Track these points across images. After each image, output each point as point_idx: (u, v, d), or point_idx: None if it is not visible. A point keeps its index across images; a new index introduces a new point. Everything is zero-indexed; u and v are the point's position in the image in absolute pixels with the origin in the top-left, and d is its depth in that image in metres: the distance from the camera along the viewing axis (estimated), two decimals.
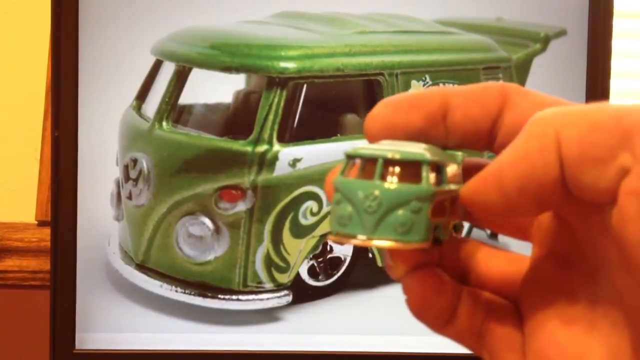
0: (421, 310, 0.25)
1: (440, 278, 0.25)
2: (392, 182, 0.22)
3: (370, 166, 0.22)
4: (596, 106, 0.21)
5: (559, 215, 0.25)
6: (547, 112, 0.22)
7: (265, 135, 0.62)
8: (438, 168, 0.23)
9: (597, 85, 0.66)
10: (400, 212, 0.21)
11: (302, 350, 0.65)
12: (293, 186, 0.62)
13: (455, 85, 0.25)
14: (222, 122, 0.67)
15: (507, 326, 0.25)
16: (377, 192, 0.21)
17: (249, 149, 0.62)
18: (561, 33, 0.66)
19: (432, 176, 0.22)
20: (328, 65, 0.62)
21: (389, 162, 0.22)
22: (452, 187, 0.23)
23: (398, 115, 0.24)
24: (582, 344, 0.23)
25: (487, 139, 0.25)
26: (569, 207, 0.24)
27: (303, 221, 0.63)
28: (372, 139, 0.24)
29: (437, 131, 0.24)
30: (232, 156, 0.62)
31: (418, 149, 0.22)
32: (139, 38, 0.64)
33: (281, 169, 0.62)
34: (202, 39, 0.63)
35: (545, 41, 0.67)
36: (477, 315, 0.25)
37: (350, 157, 0.23)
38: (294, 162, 0.62)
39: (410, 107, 0.24)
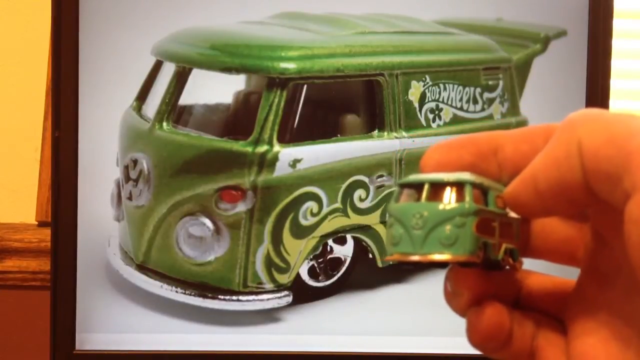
0: (483, 343, 0.26)
1: (503, 313, 0.26)
2: (437, 202, 0.24)
3: (419, 192, 0.25)
4: (620, 117, 0.22)
5: (598, 233, 0.26)
6: (576, 116, 0.23)
7: (266, 136, 0.62)
8: (483, 191, 0.25)
9: (597, 85, 0.66)
10: (445, 226, 0.23)
11: (302, 350, 0.65)
12: (293, 187, 0.62)
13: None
14: (222, 123, 0.67)
15: (555, 344, 0.26)
16: (423, 211, 0.24)
17: (249, 149, 0.62)
18: (561, 33, 0.66)
19: (476, 196, 0.24)
20: (328, 65, 0.62)
21: (435, 186, 0.24)
22: (500, 211, 0.25)
23: (451, 153, 0.26)
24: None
25: None
26: (603, 217, 0.25)
27: (303, 222, 0.63)
28: None
29: (488, 165, 0.26)
30: (233, 157, 0.62)
31: (464, 175, 0.24)
32: (139, 38, 0.64)
33: (281, 169, 0.62)
34: (202, 40, 0.63)
35: (545, 41, 0.67)
36: (528, 335, 0.26)
37: (402, 186, 0.25)
38: (294, 163, 0.62)
39: (462, 145, 0.26)
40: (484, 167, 0.26)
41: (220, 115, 0.67)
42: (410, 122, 0.65)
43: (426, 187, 0.24)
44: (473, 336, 0.26)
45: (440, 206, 0.24)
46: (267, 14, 0.65)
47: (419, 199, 0.24)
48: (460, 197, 0.24)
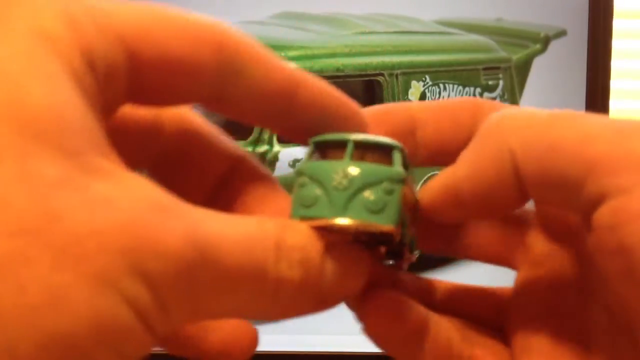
0: (381, 338, 0.23)
1: (401, 302, 0.23)
2: (364, 162, 0.21)
3: (338, 151, 0.21)
4: (556, 121, 0.20)
5: (551, 234, 0.24)
6: (501, 120, 0.21)
7: (265, 136, 0.62)
8: (405, 163, 0.22)
9: (597, 85, 0.66)
10: (372, 190, 0.20)
11: (302, 350, 0.65)
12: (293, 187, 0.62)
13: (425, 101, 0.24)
14: (222, 123, 0.66)
15: (495, 356, 0.24)
16: (348, 169, 0.20)
17: (249, 149, 0.62)
18: (561, 33, 0.66)
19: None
20: (328, 65, 0.62)
21: (359, 147, 0.21)
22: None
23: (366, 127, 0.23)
24: None
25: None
26: (554, 221, 0.23)
27: None
28: None
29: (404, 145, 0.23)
30: None
31: (392, 140, 0.22)
32: None
33: (281, 169, 0.62)
34: None
35: (545, 41, 0.67)
36: (456, 340, 0.24)
37: (317, 145, 0.22)
38: (294, 163, 0.62)
39: (378, 122, 0.24)
40: None
41: (220, 115, 0.67)
42: None
43: (350, 145, 0.21)
44: (367, 330, 0.23)
45: (369, 167, 0.20)
46: (267, 14, 0.65)
47: (340, 158, 0.21)
48: (385, 161, 0.21)
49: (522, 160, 0.20)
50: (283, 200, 0.22)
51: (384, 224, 0.20)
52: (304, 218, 0.20)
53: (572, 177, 0.19)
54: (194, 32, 0.20)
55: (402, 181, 0.21)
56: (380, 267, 0.24)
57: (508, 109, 0.21)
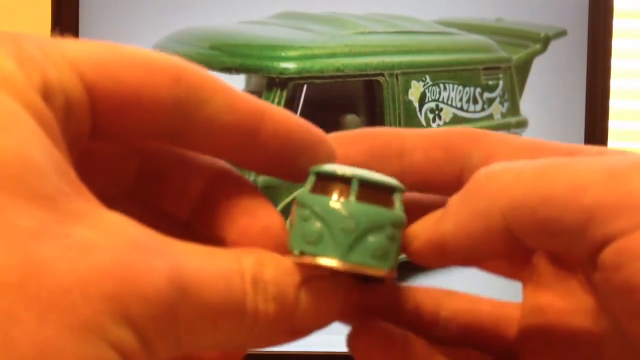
0: None
1: (387, 335, 0.23)
2: (369, 204, 0.21)
3: (341, 188, 0.21)
4: (545, 173, 0.19)
5: (555, 260, 0.24)
6: (487, 181, 0.20)
7: None
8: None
9: (597, 85, 0.66)
10: (376, 235, 0.20)
11: (303, 350, 0.65)
12: (293, 186, 0.62)
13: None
14: None
15: None
16: (354, 211, 0.20)
17: None
18: (561, 33, 0.66)
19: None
20: (328, 65, 0.62)
21: (362, 184, 0.21)
22: None
23: (338, 148, 0.23)
24: None
25: (455, 184, 0.23)
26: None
27: None
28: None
29: (385, 166, 0.23)
30: None
31: (393, 180, 0.22)
32: (139, 38, 0.64)
33: None
34: (202, 40, 0.63)
35: (545, 41, 0.67)
36: None
37: (319, 176, 0.21)
38: None
39: (352, 141, 0.23)
40: (377, 168, 0.23)
41: None
42: (410, 122, 0.65)
43: (355, 184, 0.21)
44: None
45: (374, 210, 0.21)
46: (267, 14, 0.65)
47: (344, 195, 0.21)
48: (388, 204, 0.21)
49: (514, 218, 0.20)
50: (266, 210, 0.22)
51: (385, 269, 0.21)
52: (304, 254, 0.21)
53: (571, 227, 0.19)
54: (149, 63, 0.19)
55: (403, 225, 0.21)
56: (377, 291, 0.24)
57: (494, 165, 0.21)
